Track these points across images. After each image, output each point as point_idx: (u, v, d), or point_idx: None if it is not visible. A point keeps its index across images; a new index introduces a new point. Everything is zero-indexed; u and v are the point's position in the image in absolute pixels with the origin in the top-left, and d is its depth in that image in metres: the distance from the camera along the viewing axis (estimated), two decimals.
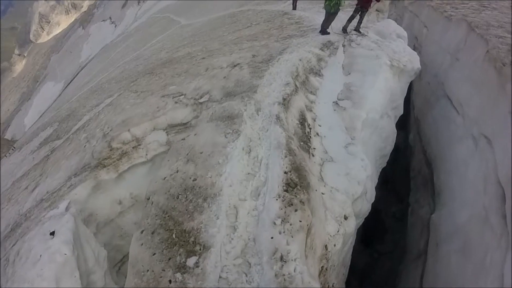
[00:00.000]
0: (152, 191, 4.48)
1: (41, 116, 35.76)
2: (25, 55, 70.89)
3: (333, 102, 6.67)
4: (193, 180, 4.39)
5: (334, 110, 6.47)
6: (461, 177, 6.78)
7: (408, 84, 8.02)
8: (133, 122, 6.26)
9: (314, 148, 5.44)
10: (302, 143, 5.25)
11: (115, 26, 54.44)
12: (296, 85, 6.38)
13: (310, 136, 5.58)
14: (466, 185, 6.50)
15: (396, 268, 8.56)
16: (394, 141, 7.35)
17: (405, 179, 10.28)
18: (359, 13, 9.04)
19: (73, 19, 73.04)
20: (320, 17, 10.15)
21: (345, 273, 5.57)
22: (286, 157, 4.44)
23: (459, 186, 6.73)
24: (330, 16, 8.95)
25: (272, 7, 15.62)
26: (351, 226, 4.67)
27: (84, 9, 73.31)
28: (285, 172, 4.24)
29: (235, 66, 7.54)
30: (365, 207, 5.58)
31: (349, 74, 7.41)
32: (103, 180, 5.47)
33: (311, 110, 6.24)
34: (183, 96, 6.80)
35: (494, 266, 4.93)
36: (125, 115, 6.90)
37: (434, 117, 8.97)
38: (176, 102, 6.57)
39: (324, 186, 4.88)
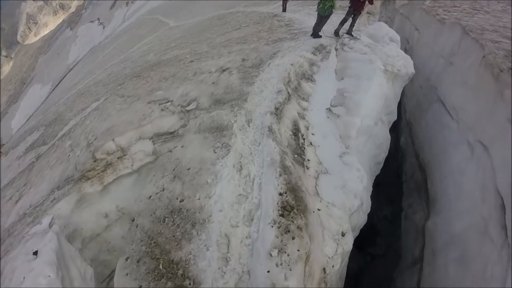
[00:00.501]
0: (137, 212, 4.21)
1: (28, 119, 35.10)
2: (12, 56, 69.58)
3: (326, 109, 6.45)
4: (180, 201, 4.11)
5: (328, 117, 6.25)
6: (456, 184, 6.64)
7: (402, 88, 7.86)
8: (118, 131, 6.00)
9: (309, 160, 5.20)
10: (296, 155, 5.02)
11: (103, 27, 53.81)
12: (288, 92, 6.14)
13: (304, 147, 5.34)
14: (463, 193, 6.35)
15: (390, 273, 8.41)
16: (388, 147, 7.18)
17: (396, 182, 10.15)
18: (352, 16, 8.85)
19: (61, 20, 72.07)
20: (310, 20, 9.98)
21: (341, 285, 5.37)
22: (280, 175, 4.17)
23: (455, 194, 6.59)
24: (322, 19, 8.74)
25: (262, 9, 15.45)
26: (349, 243, 4.44)
27: (72, 10, 72.42)
28: (280, 194, 3.96)
29: (224, 70, 7.30)
30: (362, 219, 5.38)
31: (342, 79, 7.18)
32: (87, 193, 5.20)
33: (304, 118, 6.02)
34: (169, 103, 6.54)
35: (495, 279, 4.79)
36: (111, 122, 6.65)
37: (427, 121, 8.84)
38: (162, 110, 6.32)
39: (320, 201, 4.64)
